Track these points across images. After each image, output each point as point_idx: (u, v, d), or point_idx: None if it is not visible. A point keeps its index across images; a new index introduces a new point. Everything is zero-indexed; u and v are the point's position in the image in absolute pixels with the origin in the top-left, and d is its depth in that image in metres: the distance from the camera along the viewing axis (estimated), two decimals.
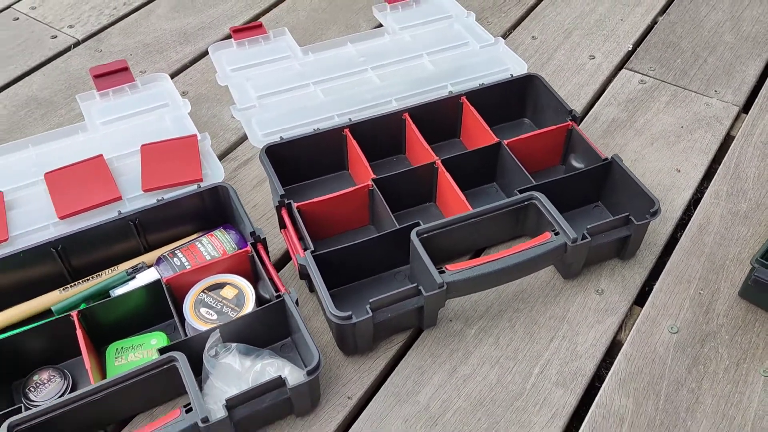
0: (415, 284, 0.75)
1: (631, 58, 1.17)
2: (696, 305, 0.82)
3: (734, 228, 0.90)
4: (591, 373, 0.77)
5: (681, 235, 0.90)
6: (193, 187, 0.86)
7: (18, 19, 1.27)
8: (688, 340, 0.79)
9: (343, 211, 0.87)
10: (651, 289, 0.85)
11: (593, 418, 0.73)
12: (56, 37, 1.23)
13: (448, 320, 0.81)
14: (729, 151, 1.01)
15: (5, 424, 0.64)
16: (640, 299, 0.84)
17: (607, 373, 0.77)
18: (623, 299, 0.83)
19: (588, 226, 0.80)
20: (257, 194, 0.96)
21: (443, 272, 0.76)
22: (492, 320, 0.81)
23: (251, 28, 1.11)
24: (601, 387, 0.76)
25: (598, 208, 0.92)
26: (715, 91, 1.10)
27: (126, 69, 1.04)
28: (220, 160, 1.00)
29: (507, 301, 0.83)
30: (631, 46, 1.19)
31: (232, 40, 1.09)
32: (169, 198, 0.84)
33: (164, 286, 0.76)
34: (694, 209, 0.94)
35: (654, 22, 1.24)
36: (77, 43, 1.21)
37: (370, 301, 0.73)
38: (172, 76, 1.14)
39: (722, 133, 1.03)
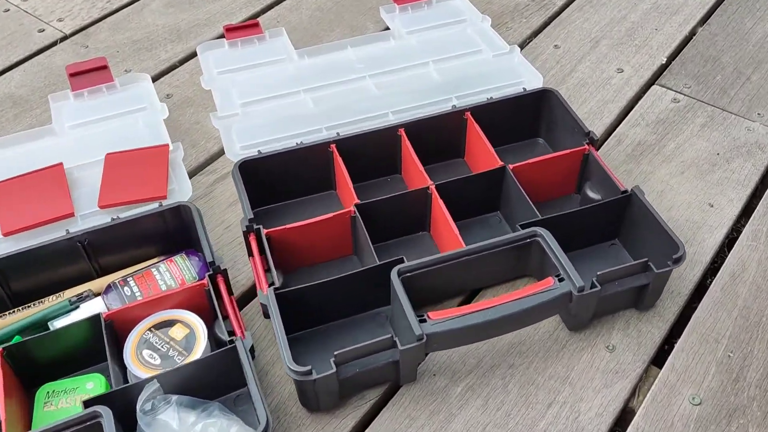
0: (389, 335, 0.64)
1: (665, 73, 1.04)
2: (724, 371, 0.70)
3: None
4: None
5: (711, 283, 0.78)
6: (154, 205, 0.77)
7: (8, 10, 1.19)
8: (713, 415, 0.67)
9: (321, 240, 0.77)
10: (671, 348, 0.73)
11: None
12: (44, 30, 1.15)
13: (431, 374, 0.71)
14: None
15: None
16: (659, 359, 0.72)
17: None
18: (638, 359, 0.71)
19: (598, 273, 0.68)
20: (233, 213, 0.87)
21: (424, 321, 0.65)
22: (482, 377, 0.70)
23: (246, 27, 1.02)
24: None
25: (615, 247, 0.80)
26: (759, 114, 0.97)
27: (105, 67, 0.96)
28: (197, 172, 0.92)
29: (501, 354, 0.72)
30: (665, 60, 1.06)
31: (225, 39, 1.00)
32: (125, 217, 0.75)
33: (103, 322, 0.67)
34: (728, 252, 0.81)
35: (692, 34, 1.11)
36: (64, 38, 1.14)
37: (335, 353, 0.63)
38: (159, 76, 1.06)
39: (764, 164, 0.90)
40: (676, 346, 0.73)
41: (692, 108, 0.98)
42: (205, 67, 0.97)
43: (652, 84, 1.02)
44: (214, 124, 0.87)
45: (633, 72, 1.04)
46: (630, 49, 1.08)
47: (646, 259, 0.69)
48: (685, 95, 1.00)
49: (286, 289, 0.69)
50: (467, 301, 0.77)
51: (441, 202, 0.76)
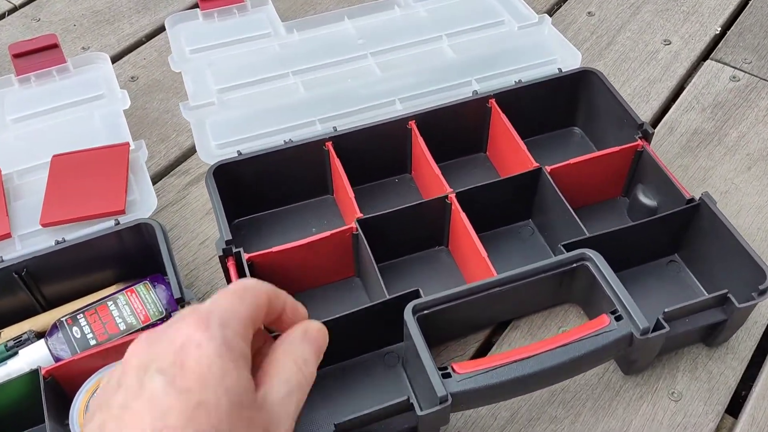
0: (405, 397, 0.50)
1: (719, 45, 0.88)
2: None
3: None
4: None
5: None
6: (109, 223, 0.62)
7: None
8: None
9: (316, 263, 0.63)
10: (749, 393, 0.59)
11: None
12: None
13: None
14: None
15: None
16: (734, 406, 0.59)
17: None
18: (710, 409, 0.58)
19: (666, 310, 0.54)
20: (212, 223, 0.72)
21: (449, 376, 0.51)
22: None
23: None
24: None
25: (675, 265, 0.65)
26: None
27: (55, 46, 0.80)
28: (167, 173, 0.77)
29: (540, 405, 0.58)
30: (719, 29, 0.90)
31: (198, 9, 0.84)
32: (73, 240, 0.60)
33: (42, 380, 0.53)
34: None
35: None
36: (13, 10, 0.97)
37: (336, 424, 0.49)
38: (123, 54, 0.90)
39: None
40: (755, 391, 0.59)
41: (755, 87, 0.83)
42: (174, 45, 0.81)
43: (706, 58, 0.87)
44: (185, 116, 0.72)
45: (683, 44, 0.88)
46: (677, 16, 0.92)
47: (725, 290, 0.55)
48: (745, 72, 0.84)
49: (272, 334, 0.55)
50: (495, 333, 0.63)
51: (464, 215, 0.62)
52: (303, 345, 0.40)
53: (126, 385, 0.33)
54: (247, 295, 0.37)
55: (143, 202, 0.65)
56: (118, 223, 0.62)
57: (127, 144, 0.69)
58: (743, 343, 0.61)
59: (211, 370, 0.33)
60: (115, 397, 0.33)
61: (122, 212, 0.63)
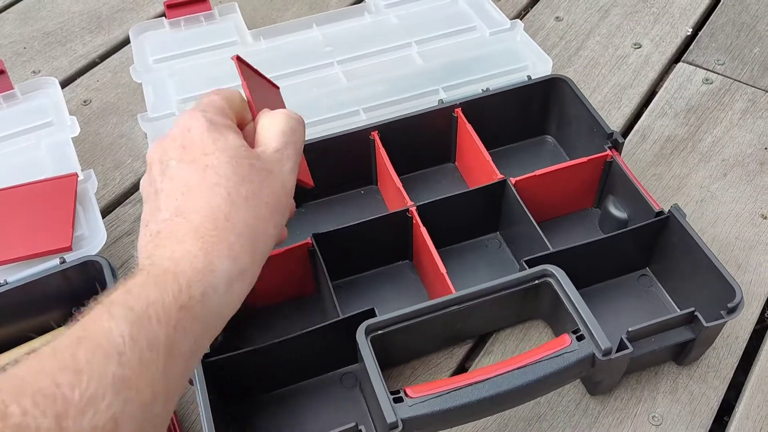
0: (353, 424, 0.47)
1: (691, 47, 0.86)
2: None
3: None
4: None
5: None
6: (54, 262, 0.59)
7: None
8: None
9: (272, 279, 0.59)
10: (732, 414, 0.56)
11: None
12: None
13: None
14: None
15: None
16: (718, 427, 0.56)
17: None
18: (693, 431, 0.55)
19: (630, 329, 0.51)
20: None
21: (401, 400, 0.48)
22: None
23: (192, 2, 0.84)
24: None
25: (646, 279, 0.63)
26: None
27: (2, 72, 0.77)
28: (122, 201, 0.74)
29: (512, 430, 0.55)
30: (690, 30, 0.88)
31: (164, 18, 0.82)
32: (16, 282, 0.57)
33: None
34: None
35: None
36: None
37: None
38: (75, 76, 0.87)
39: None
40: (739, 411, 0.56)
41: (728, 90, 0.80)
42: (137, 55, 0.79)
43: (677, 61, 0.84)
44: (143, 127, 0.69)
45: (653, 47, 0.86)
46: (647, 18, 0.89)
47: (692, 309, 0.52)
48: (718, 74, 0.82)
49: (216, 357, 0.52)
50: (461, 351, 0.60)
51: (424, 229, 0.59)
52: (283, 110, 0.48)
53: (152, 178, 0.44)
54: (220, 90, 0.47)
55: (92, 237, 0.61)
56: (63, 261, 0.58)
57: (75, 175, 0.65)
58: (724, 361, 0.58)
59: (204, 141, 0.43)
60: (150, 189, 0.44)
61: (69, 249, 0.59)
